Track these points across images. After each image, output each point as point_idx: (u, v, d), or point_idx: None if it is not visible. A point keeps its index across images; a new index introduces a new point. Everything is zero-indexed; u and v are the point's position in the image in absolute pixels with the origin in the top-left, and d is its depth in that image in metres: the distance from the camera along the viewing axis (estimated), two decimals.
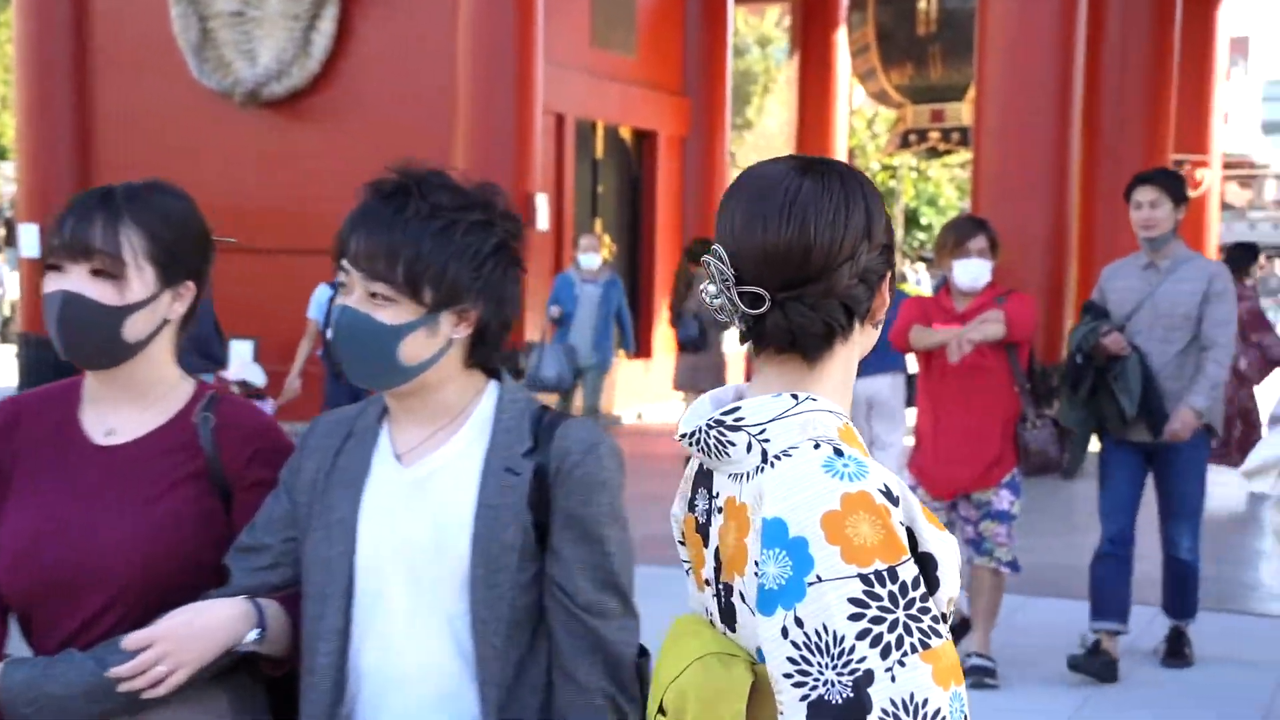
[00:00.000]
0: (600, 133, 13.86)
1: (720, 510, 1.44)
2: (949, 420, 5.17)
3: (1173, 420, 5.12)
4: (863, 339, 1.47)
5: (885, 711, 1.27)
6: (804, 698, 1.30)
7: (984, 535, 5.16)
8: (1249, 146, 43.50)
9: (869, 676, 1.28)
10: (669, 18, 14.65)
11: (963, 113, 13.71)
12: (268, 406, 7.38)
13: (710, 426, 1.43)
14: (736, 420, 1.41)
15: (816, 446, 1.37)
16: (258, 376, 7.32)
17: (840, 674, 1.28)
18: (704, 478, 1.50)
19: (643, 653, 1.85)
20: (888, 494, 1.33)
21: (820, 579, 1.30)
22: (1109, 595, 5.26)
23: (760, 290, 1.39)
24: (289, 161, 12.58)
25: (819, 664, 1.29)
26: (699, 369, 10.02)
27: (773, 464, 1.38)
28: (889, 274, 1.47)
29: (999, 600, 5.23)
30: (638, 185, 14.52)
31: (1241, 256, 9.74)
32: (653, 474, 10.63)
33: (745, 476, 1.41)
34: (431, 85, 11.93)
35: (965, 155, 19.06)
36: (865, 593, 1.29)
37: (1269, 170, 44.60)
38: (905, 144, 14.27)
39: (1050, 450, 5.14)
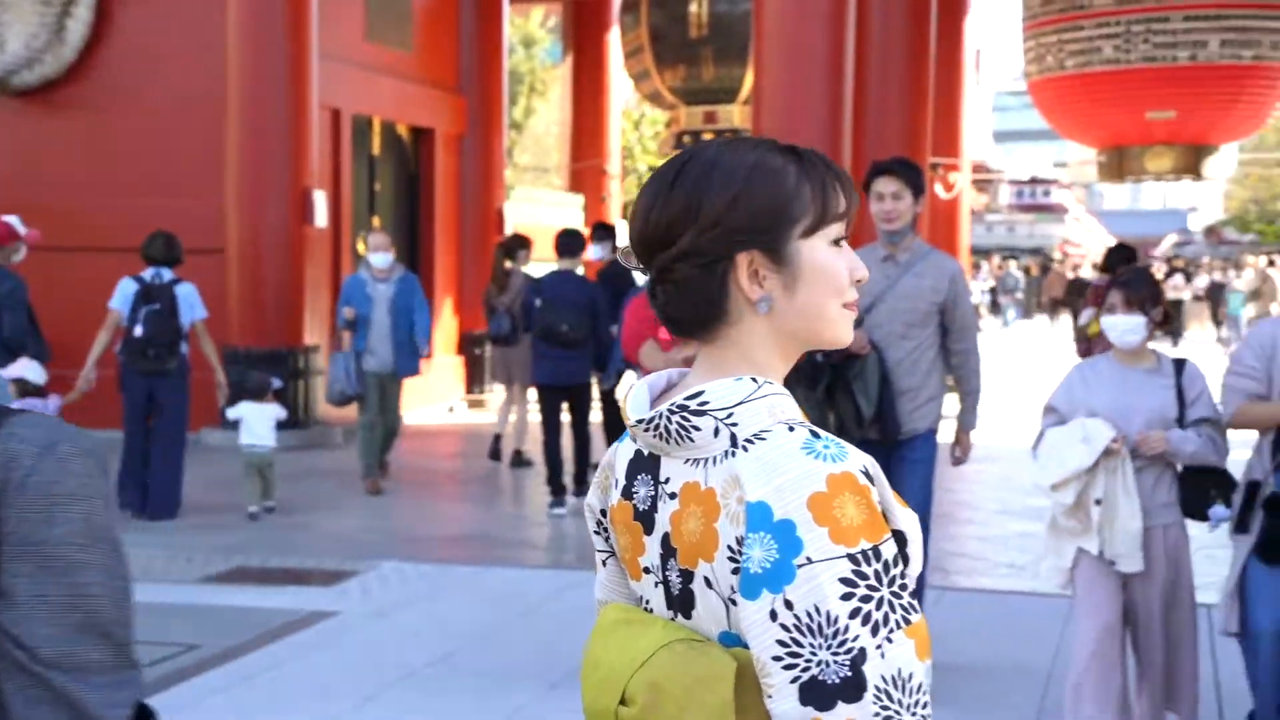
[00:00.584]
0: (377, 129, 13.65)
1: (673, 496, 1.44)
2: None
3: (956, 451, 5.35)
4: (775, 322, 1.46)
5: (878, 688, 1.30)
6: (795, 679, 1.30)
7: None
8: (984, 153, 46.17)
9: (863, 654, 1.29)
10: (444, 15, 14.54)
11: (735, 115, 14.08)
12: (50, 406, 7.02)
13: (673, 411, 1.42)
14: (701, 405, 1.41)
15: (791, 429, 1.38)
16: (36, 374, 6.99)
17: (836, 654, 1.29)
18: (645, 464, 1.49)
19: (143, 713, 1.44)
20: (868, 474, 1.36)
21: (811, 560, 1.31)
22: None
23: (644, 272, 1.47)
24: (44, 154, 11.94)
25: (811, 645, 1.30)
26: (511, 362, 10.10)
27: (745, 448, 1.38)
28: (746, 256, 1.43)
29: None
30: (415, 183, 14.36)
31: (1121, 258, 10.04)
32: (442, 473, 10.59)
33: (711, 461, 1.40)
34: (200, 78, 11.52)
35: None
36: (854, 572, 1.30)
37: (1003, 176, 47.54)
38: (679, 145, 14.55)
39: None
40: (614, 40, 16.55)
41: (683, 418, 1.42)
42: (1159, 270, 29.26)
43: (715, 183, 1.44)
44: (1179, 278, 28.14)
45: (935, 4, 13.68)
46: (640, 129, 25.39)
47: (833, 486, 1.33)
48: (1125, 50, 13.69)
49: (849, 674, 1.29)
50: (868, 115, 11.91)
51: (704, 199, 1.43)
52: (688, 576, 1.43)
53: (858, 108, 10.89)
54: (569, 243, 9.10)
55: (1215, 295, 28.49)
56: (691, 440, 1.41)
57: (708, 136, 14.25)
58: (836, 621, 1.29)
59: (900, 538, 1.38)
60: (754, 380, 1.43)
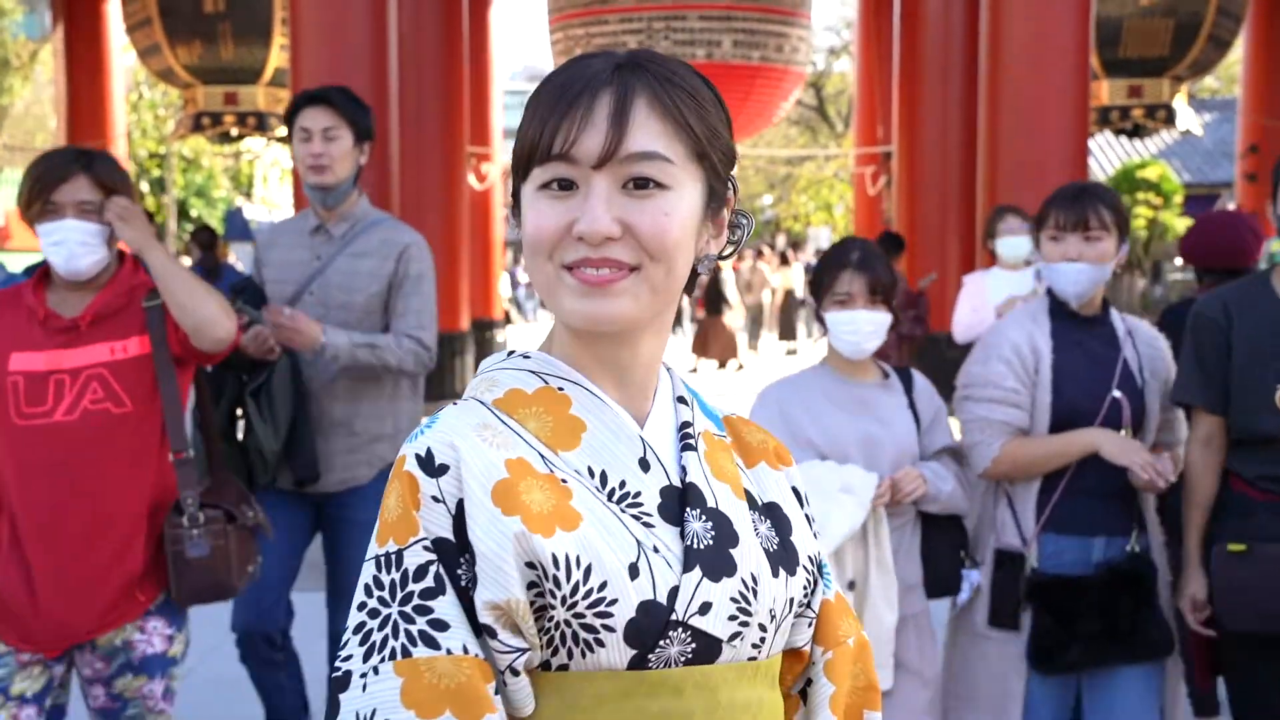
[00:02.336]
0: None
1: None
2: (43, 516, 2.92)
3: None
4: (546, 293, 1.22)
5: None
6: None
7: (125, 697, 3.03)
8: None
9: (345, 680, 1.09)
10: None
11: (258, 96, 13.19)
12: None
13: None
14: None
15: (452, 406, 1.22)
16: None
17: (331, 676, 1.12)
18: None
19: None
20: (425, 460, 1.12)
21: (366, 558, 1.15)
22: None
23: None
24: None
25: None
26: None
27: None
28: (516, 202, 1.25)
29: None
30: None
31: (891, 245, 9.97)
32: None
33: None
34: None
35: (242, 145, 18.51)
36: (373, 579, 1.11)
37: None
38: (198, 127, 13.44)
39: (221, 570, 3.05)
40: (114, 11, 15.07)
41: None
42: None
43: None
44: None
45: None
46: (139, 112, 23.49)
47: (394, 471, 1.16)
48: (648, 46, 14.14)
49: (328, 703, 1.08)
50: (406, 102, 11.53)
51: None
52: None
53: (398, 94, 10.50)
54: None
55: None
56: None
57: (229, 119, 13.27)
58: (346, 634, 1.12)
59: (469, 554, 1.11)
60: (511, 353, 1.26)
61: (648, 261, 1.16)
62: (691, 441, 1.25)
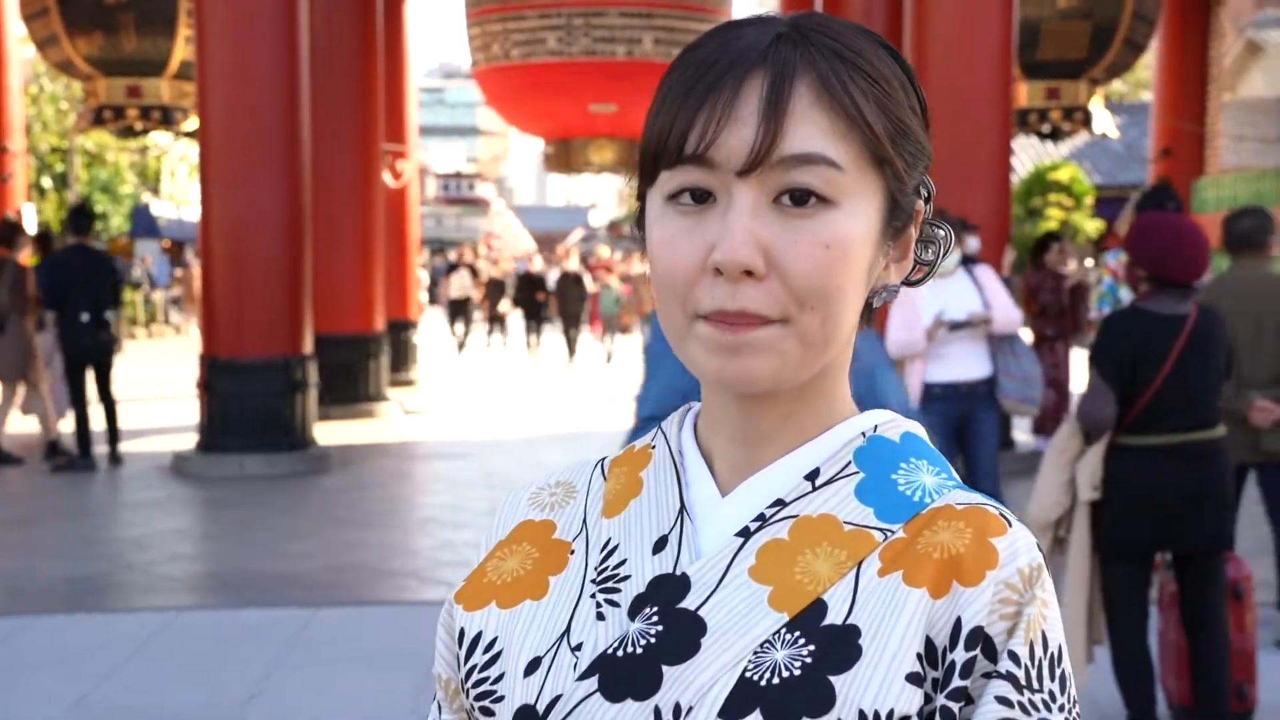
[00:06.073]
0: None
1: None
2: None
3: None
4: None
5: None
6: None
7: None
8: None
9: None
10: None
11: (162, 89, 12.74)
12: None
13: None
14: None
15: None
16: None
17: None
18: None
19: None
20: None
21: None
22: None
23: None
24: None
25: None
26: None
27: None
28: None
29: None
30: None
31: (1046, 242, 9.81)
32: None
33: None
34: None
35: (149, 139, 17.98)
36: None
37: (428, 168, 48.14)
38: (100, 121, 12.94)
39: None
40: (10, 1, 14.50)
41: None
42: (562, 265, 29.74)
43: None
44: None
45: None
46: (39, 105, 22.71)
47: None
48: (568, 43, 13.88)
49: None
50: (318, 98, 11.21)
51: None
52: None
53: (310, 89, 10.19)
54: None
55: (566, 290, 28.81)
56: None
57: (133, 113, 12.80)
58: None
59: None
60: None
61: (797, 311, 0.89)
62: (751, 527, 0.94)
